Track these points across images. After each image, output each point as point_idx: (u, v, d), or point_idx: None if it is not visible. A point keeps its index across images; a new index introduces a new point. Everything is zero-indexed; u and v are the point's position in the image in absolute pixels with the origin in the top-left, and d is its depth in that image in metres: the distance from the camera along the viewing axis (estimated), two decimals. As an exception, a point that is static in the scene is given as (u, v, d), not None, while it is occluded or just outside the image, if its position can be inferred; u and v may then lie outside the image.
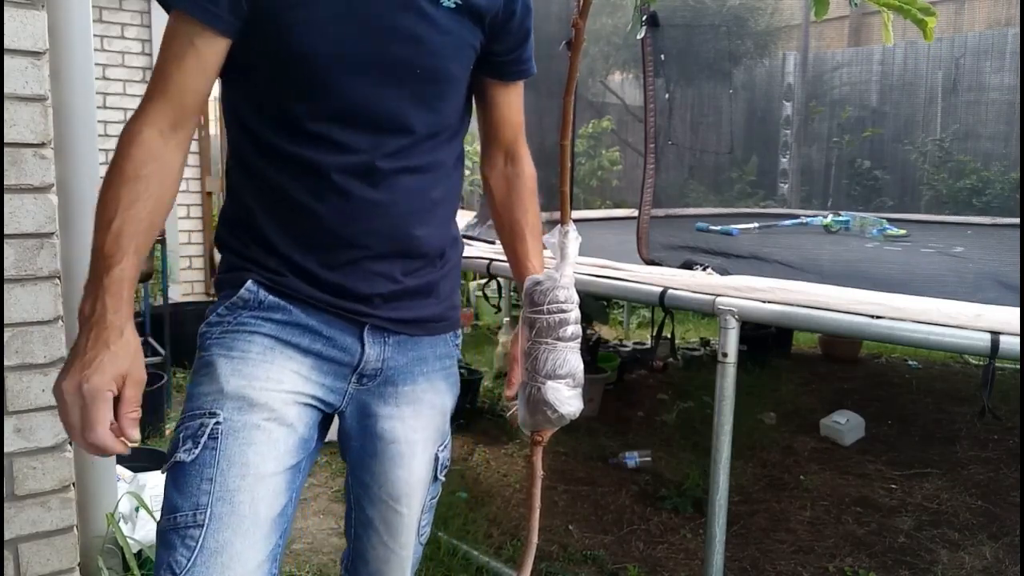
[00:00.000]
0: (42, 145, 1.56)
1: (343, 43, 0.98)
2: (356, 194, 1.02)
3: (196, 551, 0.92)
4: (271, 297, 1.05)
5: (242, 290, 1.04)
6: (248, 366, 1.01)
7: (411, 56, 1.01)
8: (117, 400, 0.89)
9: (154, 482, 2.15)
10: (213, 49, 0.97)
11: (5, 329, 1.54)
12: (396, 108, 1.03)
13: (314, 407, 1.08)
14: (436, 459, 1.19)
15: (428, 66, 1.03)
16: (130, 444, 0.90)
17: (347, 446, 1.17)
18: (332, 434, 1.16)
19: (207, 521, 0.93)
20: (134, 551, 1.90)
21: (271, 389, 1.01)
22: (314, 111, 1.00)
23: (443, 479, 1.22)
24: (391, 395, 1.13)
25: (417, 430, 1.15)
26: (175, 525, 0.94)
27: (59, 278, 1.62)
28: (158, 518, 0.98)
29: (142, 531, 1.97)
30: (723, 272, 2.22)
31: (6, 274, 1.53)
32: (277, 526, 1.00)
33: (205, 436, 0.97)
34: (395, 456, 1.13)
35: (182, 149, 0.98)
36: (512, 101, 1.20)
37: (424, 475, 1.17)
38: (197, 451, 0.96)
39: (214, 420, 0.98)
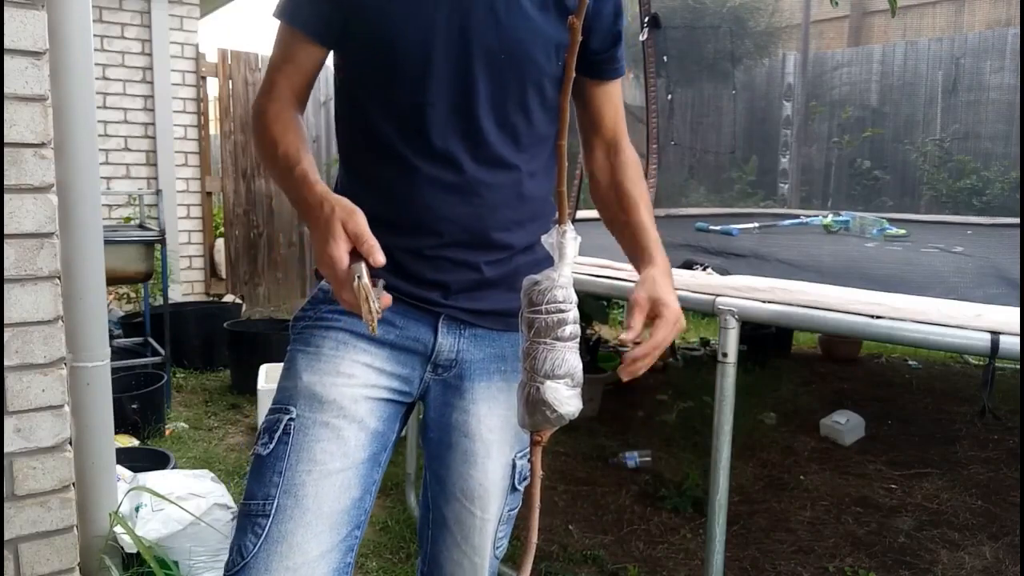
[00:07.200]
0: (42, 145, 1.56)
1: (431, 27, 1.03)
2: (446, 180, 1.06)
3: (262, 537, 0.99)
4: None
5: (322, 282, 1.11)
6: (320, 362, 1.07)
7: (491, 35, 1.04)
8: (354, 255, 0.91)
9: (154, 482, 2.14)
10: (311, 57, 1.09)
11: (5, 329, 1.54)
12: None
13: (388, 400, 1.10)
14: (514, 466, 1.16)
15: (509, 49, 1.05)
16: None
17: (427, 437, 1.17)
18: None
19: (273, 511, 1.00)
20: (134, 551, 1.90)
21: (341, 384, 1.06)
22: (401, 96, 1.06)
23: (522, 490, 1.19)
24: (467, 390, 1.13)
25: (493, 430, 1.14)
26: (248, 512, 1.02)
27: (59, 278, 1.62)
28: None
29: (142, 530, 1.97)
30: (723, 272, 2.21)
31: (6, 274, 1.53)
32: (349, 518, 1.04)
33: (279, 431, 1.04)
34: (468, 453, 1.13)
35: (300, 110, 1.10)
36: (611, 97, 1.21)
37: (500, 480, 1.15)
38: (272, 445, 1.03)
39: (288, 416, 1.05)
